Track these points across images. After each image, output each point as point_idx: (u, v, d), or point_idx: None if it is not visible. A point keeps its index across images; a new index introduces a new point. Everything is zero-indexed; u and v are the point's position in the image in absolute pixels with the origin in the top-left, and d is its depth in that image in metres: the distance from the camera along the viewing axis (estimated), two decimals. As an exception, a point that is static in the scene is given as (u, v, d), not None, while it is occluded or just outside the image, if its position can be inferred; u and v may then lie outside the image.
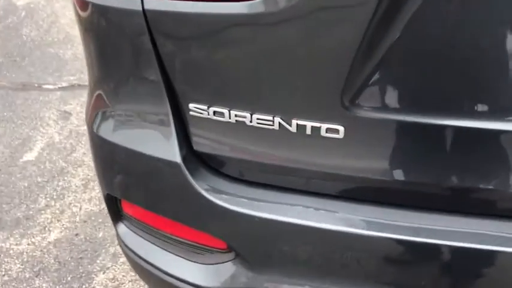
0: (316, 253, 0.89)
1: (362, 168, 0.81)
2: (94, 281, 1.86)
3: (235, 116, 0.81)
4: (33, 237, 2.05)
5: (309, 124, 0.78)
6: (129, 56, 0.86)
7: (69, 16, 3.66)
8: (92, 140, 1.03)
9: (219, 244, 0.97)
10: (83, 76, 3.04)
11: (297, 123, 0.78)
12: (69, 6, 3.64)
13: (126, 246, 1.11)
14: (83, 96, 2.86)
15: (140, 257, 1.08)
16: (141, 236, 1.08)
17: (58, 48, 3.41)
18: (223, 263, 1.00)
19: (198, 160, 0.90)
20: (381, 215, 0.82)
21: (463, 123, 0.73)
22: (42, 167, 2.42)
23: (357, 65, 0.71)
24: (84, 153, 2.47)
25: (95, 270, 1.90)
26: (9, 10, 3.83)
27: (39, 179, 2.36)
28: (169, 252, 1.04)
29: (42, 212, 2.18)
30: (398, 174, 0.80)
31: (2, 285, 1.85)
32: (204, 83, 0.81)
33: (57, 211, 2.18)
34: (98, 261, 1.93)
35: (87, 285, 1.85)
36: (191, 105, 0.83)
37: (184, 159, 0.86)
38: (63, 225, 2.11)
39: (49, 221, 2.13)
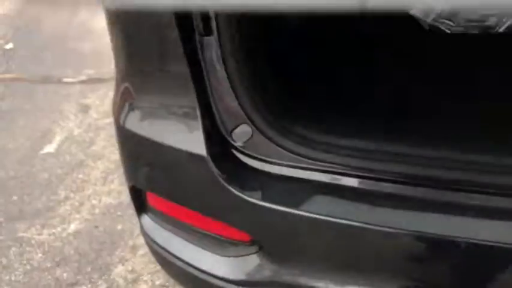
0: (340, 249, 0.90)
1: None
2: (113, 273, 1.89)
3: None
4: (54, 228, 2.09)
5: None
6: (156, 48, 0.88)
7: (89, 9, 3.70)
8: (118, 132, 1.05)
9: (242, 237, 0.98)
10: (102, 70, 3.07)
11: None
12: None
13: (150, 237, 1.12)
14: (102, 90, 2.89)
15: (164, 249, 1.10)
16: (165, 229, 1.10)
17: (77, 42, 3.45)
18: (247, 255, 1.01)
19: (225, 153, 0.91)
20: None
21: None
22: (61, 159, 2.45)
23: None
24: (104, 147, 2.50)
25: (114, 261, 1.93)
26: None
27: (59, 171, 2.39)
28: (193, 244, 1.05)
29: (62, 203, 2.21)
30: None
31: (24, 274, 1.89)
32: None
33: (76, 203, 2.21)
34: (117, 253, 1.95)
35: (106, 276, 1.88)
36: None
37: (210, 152, 0.88)
38: (82, 217, 2.14)
39: (69, 212, 2.16)
